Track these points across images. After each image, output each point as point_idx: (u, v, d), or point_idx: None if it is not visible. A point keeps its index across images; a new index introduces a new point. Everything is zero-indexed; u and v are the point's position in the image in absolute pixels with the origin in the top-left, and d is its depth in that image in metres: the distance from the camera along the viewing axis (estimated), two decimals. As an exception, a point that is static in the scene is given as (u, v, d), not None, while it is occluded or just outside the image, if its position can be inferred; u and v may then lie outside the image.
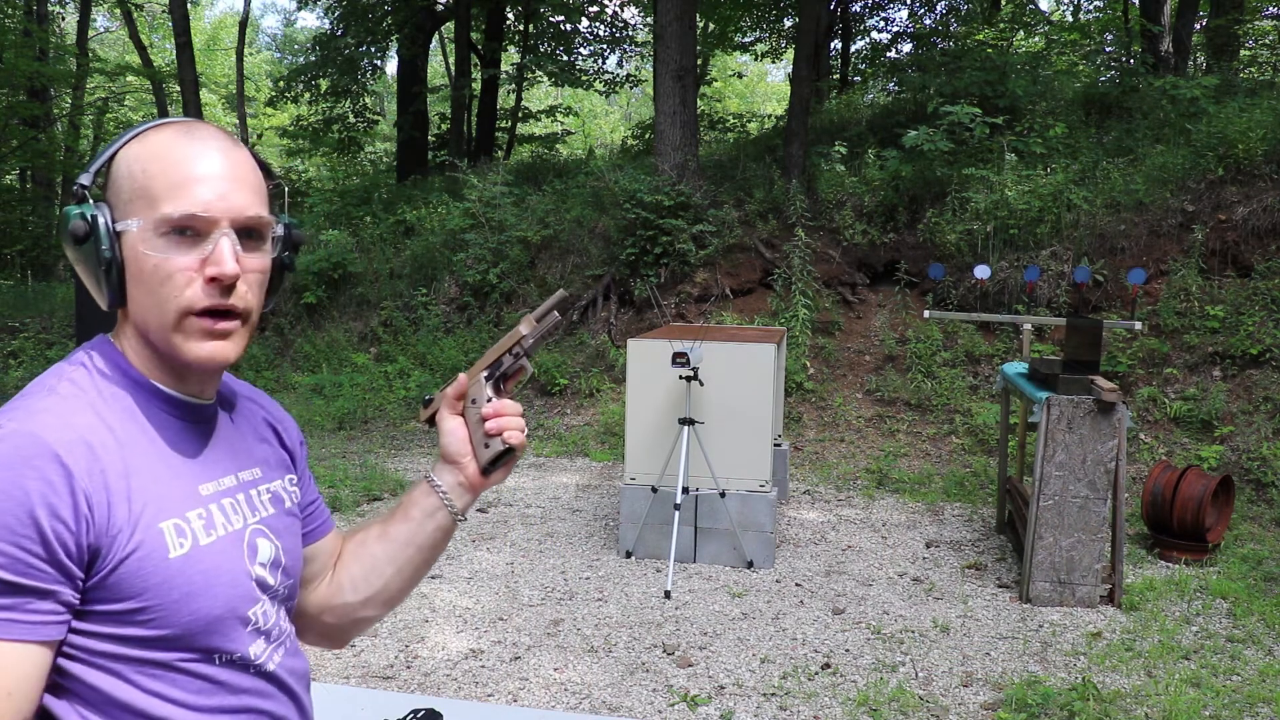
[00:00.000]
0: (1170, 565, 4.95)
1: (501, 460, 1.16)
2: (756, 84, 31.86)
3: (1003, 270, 8.03)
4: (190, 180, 0.98)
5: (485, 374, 1.18)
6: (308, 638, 1.25)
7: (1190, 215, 7.69)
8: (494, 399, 1.17)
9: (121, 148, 1.01)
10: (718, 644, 3.97)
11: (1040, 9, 16.61)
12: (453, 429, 1.18)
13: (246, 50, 20.54)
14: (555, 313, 1.17)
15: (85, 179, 1.00)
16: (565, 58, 17.04)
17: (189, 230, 0.98)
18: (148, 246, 0.98)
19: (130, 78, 19.36)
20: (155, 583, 0.94)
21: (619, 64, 19.64)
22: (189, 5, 14.35)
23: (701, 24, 15.90)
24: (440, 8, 16.01)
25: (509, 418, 1.17)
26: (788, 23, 16.47)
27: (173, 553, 0.96)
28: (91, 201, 1.00)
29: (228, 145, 1.02)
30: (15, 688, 0.87)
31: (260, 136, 24.61)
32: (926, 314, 6.18)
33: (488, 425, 1.15)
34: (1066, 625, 4.18)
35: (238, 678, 1.03)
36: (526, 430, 1.18)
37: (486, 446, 1.15)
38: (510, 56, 18.33)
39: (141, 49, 18.11)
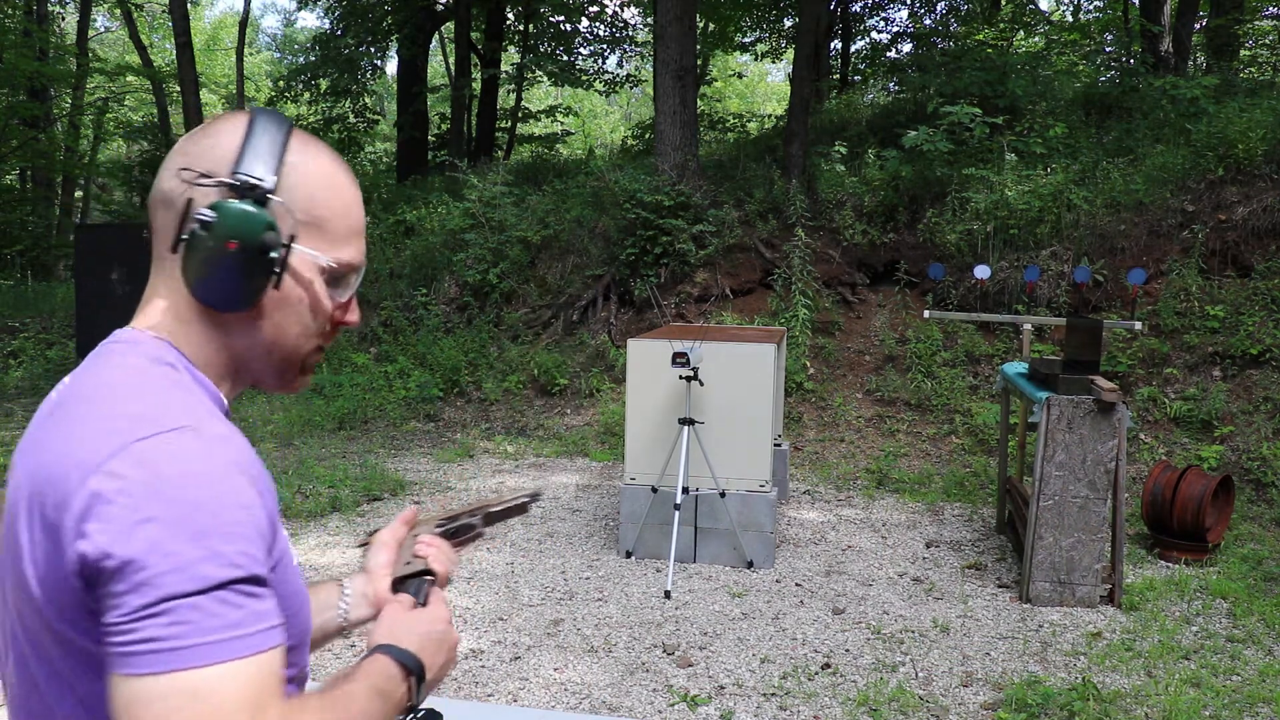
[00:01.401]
0: (1170, 565, 4.95)
1: (416, 581, 1.11)
2: (756, 84, 31.87)
3: (1003, 270, 8.03)
4: (360, 227, 1.01)
5: (439, 523, 1.19)
6: None
7: (1190, 215, 7.69)
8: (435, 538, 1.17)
9: (286, 148, 0.96)
10: (718, 644, 3.97)
11: (1040, 9, 16.62)
12: (385, 544, 1.16)
13: (246, 50, 20.54)
14: (525, 502, 1.22)
15: (269, 180, 0.93)
16: (565, 58, 17.06)
17: (344, 275, 1.01)
18: (316, 279, 0.98)
19: (130, 78, 19.37)
20: (289, 591, 0.92)
21: (619, 64, 19.66)
22: (189, 5, 14.35)
23: (701, 24, 15.91)
24: (440, 8, 16.02)
25: (440, 550, 1.14)
26: (788, 23, 16.48)
27: (295, 560, 0.95)
28: (279, 215, 0.94)
29: None
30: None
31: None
32: (926, 314, 6.18)
33: (417, 548, 1.14)
34: (1066, 625, 4.18)
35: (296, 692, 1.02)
36: (453, 575, 1.15)
37: (408, 564, 1.13)
38: (510, 56, 18.35)
39: (141, 49, 18.12)
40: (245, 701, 0.77)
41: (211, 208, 0.91)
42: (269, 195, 0.93)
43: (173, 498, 0.79)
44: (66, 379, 0.95)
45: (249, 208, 0.92)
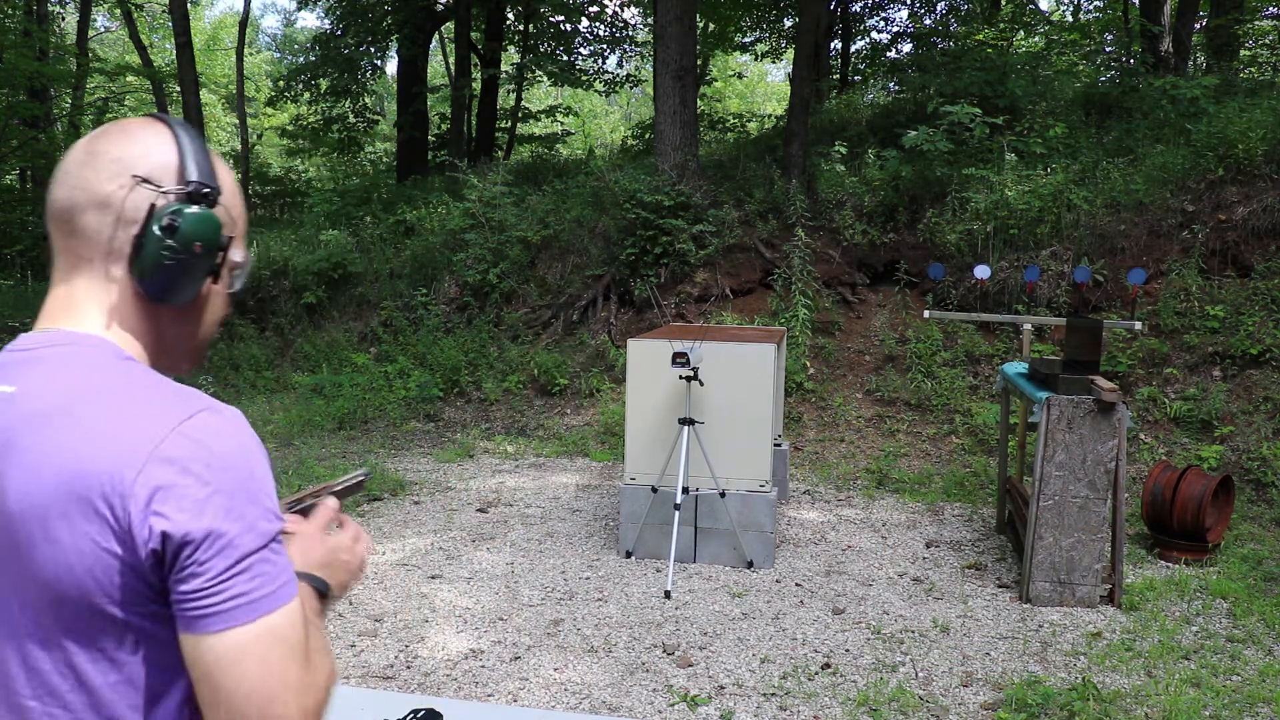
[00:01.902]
0: (1170, 565, 4.95)
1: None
2: (756, 84, 31.87)
3: (1003, 270, 8.03)
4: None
5: (289, 503, 1.29)
6: None
7: (1190, 215, 7.69)
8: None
9: (211, 156, 1.05)
10: (718, 644, 3.97)
11: (1040, 9, 16.62)
12: None
13: (246, 50, 20.53)
14: (360, 480, 1.40)
15: (215, 186, 1.02)
16: (565, 58, 17.05)
17: (244, 268, 1.12)
18: (227, 273, 1.07)
19: (130, 78, 19.35)
20: None
21: (619, 64, 19.66)
22: (189, 5, 14.35)
23: (701, 24, 15.91)
24: (440, 8, 16.01)
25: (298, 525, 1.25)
26: (788, 23, 16.47)
27: None
28: (223, 217, 1.04)
29: None
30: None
31: (260, 136, 24.61)
32: (926, 314, 6.18)
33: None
34: (1066, 625, 4.18)
35: None
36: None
37: None
38: (510, 56, 18.35)
39: (141, 49, 18.11)
40: (301, 631, 0.92)
41: (174, 212, 0.99)
42: (218, 200, 1.03)
43: (227, 469, 0.90)
44: (6, 405, 0.94)
45: (210, 212, 1.01)
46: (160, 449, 0.88)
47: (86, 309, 1.00)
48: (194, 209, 0.99)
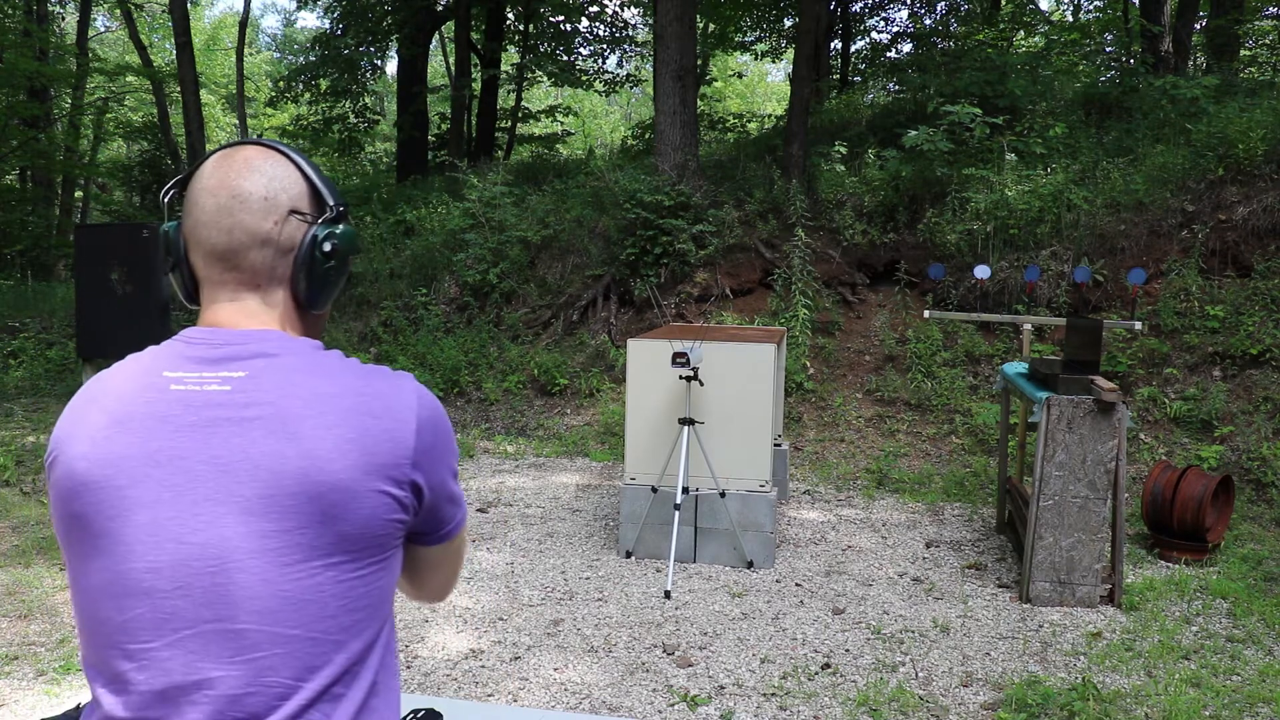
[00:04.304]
0: (1170, 565, 4.95)
1: None
2: (756, 84, 31.86)
3: (1003, 270, 8.03)
4: None
5: None
6: None
7: (1190, 215, 7.69)
8: None
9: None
10: (718, 644, 3.97)
11: (1040, 9, 16.62)
12: None
13: (246, 50, 20.52)
14: None
15: (342, 201, 1.20)
16: (565, 58, 17.05)
17: None
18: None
19: (130, 78, 19.35)
20: None
21: (619, 64, 19.66)
22: (189, 5, 14.35)
23: (701, 24, 15.90)
24: (440, 8, 16.01)
25: None
26: (788, 23, 16.47)
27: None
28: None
29: None
30: None
31: (260, 136, 24.57)
32: (926, 314, 6.18)
33: None
34: (1066, 625, 4.18)
35: None
36: None
37: None
38: (510, 56, 18.34)
39: (141, 49, 18.11)
40: None
41: (329, 235, 1.15)
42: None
43: (447, 425, 1.17)
44: (247, 386, 1.08)
45: (352, 228, 1.18)
46: (420, 416, 1.11)
47: (264, 318, 1.14)
48: (341, 228, 1.16)
